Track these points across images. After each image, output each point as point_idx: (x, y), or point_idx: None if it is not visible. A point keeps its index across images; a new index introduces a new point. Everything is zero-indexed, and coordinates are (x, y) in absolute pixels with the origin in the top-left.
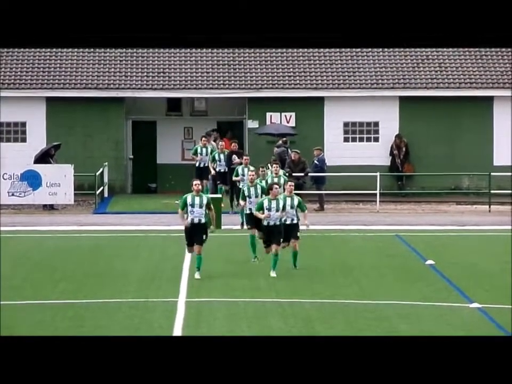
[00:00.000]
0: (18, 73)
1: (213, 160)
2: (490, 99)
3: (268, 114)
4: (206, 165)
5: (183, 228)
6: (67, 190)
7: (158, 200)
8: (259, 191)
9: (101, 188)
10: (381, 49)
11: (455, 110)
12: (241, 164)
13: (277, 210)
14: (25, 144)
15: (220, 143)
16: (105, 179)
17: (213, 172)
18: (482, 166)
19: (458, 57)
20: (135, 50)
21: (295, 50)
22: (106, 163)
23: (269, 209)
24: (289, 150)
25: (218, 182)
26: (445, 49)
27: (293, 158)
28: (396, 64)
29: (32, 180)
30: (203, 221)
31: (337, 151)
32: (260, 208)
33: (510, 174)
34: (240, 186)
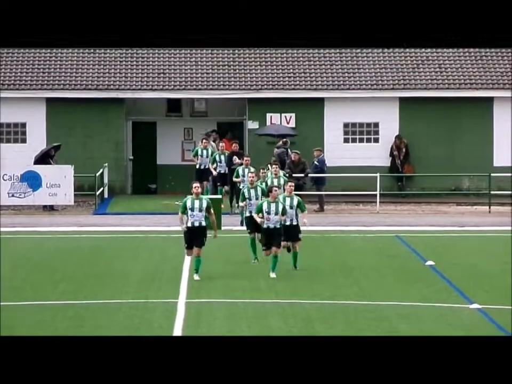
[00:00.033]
0: (18, 74)
1: (214, 161)
2: (490, 100)
3: (268, 115)
4: (207, 167)
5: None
6: (67, 191)
7: (158, 201)
8: (259, 193)
9: (101, 189)
10: (381, 50)
11: (455, 111)
12: (241, 164)
13: (276, 214)
14: (25, 145)
15: (220, 144)
16: (105, 180)
17: (214, 172)
18: (482, 166)
19: (458, 58)
20: (135, 51)
21: (295, 51)
22: (106, 164)
23: (268, 212)
24: (289, 150)
25: (218, 183)
26: (444, 50)
27: (293, 158)
28: (396, 65)
29: (32, 180)
30: (203, 224)
31: (337, 152)
32: (259, 210)
33: (510, 174)
34: (241, 187)
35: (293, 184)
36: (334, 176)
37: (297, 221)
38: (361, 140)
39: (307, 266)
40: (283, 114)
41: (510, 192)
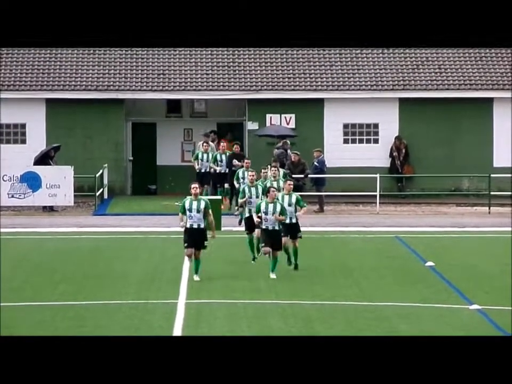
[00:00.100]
0: (18, 74)
1: (214, 160)
2: (490, 100)
3: (268, 115)
4: (207, 170)
5: (182, 229)
6: (67, 192)
7: (157, 202)
8: (259, 191)
9: (101, 190)
10: (380, 51)
11: (455, 112)
12: (242, 167)
13: (273, 214)
14: (25, 146)
15: (222, 143)
16: (105, 181)
17: (217, 169)
18: (482, 167)
19: (458, 59)
20: (134, 52)
21: (295, 51)
22: (106, 165)
23: (266, 213)
24: (289, 151)
25: (218, 185)
26: (444, 50)
27: (292, 159)
28: (395, 66)
29: (32, 181)
30: (202, 226)
31: (337, 152)
32: (258, 210)
33: (510, 175)
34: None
35: (292, 182)
36: (334, 177)
37: (296, 218)
38: (361, 141)
39: (307, 267)
40: (283, 115)
41: (510, 193)
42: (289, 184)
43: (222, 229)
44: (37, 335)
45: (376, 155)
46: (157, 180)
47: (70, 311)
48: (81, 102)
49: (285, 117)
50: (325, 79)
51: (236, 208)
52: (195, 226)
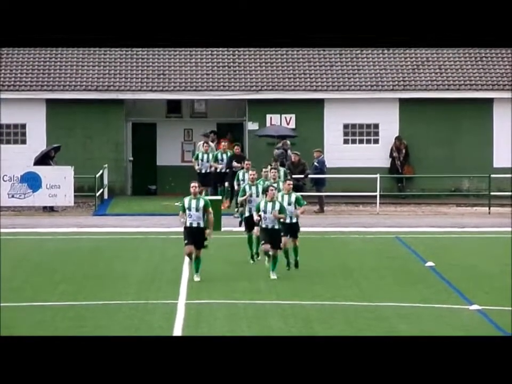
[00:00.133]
0: (18, 75)
1: (215, 159)
2: (490, 101)
3: (268, 116)
4: (208, 171)
5: (182, 229)
6: (67, 192)
7: (157, 202)
8: (260, 190)
9: (101, 190)
10: (380, 51)
11: (455, 112)
12: (242, 168)
13: (271, 213)
14: (25, 146)
15: (223, 143)
16: (105, 181)
17: (219, 167)
18: (482, 168)
19: (458, 59)
20: (134, 52)
21: (295, 52)
22: (106, 165)
23: (265, 211)
24: (289, 151)
25: (218, 184)
26: (444, 51)
27: (293, 159)
28: (395, 66)
29: (32, 181)
30: (201, 225)
31: (337, 153)
32: (258, 210)
33: (510, 176)
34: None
35: (291, 182)
36: (334, 177)
37: (297, 218)
38: (361, 141)
39: (307, 267)
40: (283, 115)
41: (510, 193)
42: (288, 184)
43: (222, 229)
44: (37, 335)
45: (376, 155)
46: (157, 180)
47: (70, 311)
48: (82, 102)
49: (285, 117)
50: (325, 79)
51: (236, 210)
52: (194, 225)
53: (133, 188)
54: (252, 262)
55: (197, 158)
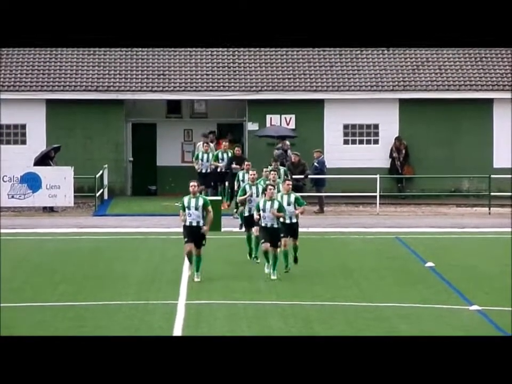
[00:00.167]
0: (18, 75)
1: (216, 159)
2: (490, 101)
3: (268, 116)
4: (208, 171)
5: (182, 224)
6: (67, 192)
7: (157, 202)
8: (260, 190)
9: (101, 190)
10: (380, 51)
11: (455, 112)
12: (242, 169)
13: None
14: (25, 147)
15: (224, 143)
16: (105, 181)
17: (220, 165)
18: (482, 168)
19: (458, 59)
20: (134, 52)
21: (295, 52)
22: (106, 165)
23: (264, 210)
24: (289, 152)
25: (218, 183)
26: (444, 51)
27: (293, 160)
28: (395, 66)
29: (32, 182)
30: (201, 223)
31: (337, 153)
32: (258, 209)
33: (510, 176)
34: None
35: (290, 182)
36: (334, 177)
37: (297, 218)
38: (361, 142)
39: (307, 267)
40: (283, 116)
41: (510, 193)
42: (287, 184)
43: (222, 229)
44: (37, 335)
45: (376, 156)
46: (157, 180)
47: (70, 312)
48: (81, 103)
49: (285, 118)
50: (325, 79)
51: (235, 210)
52: (194, 223)
53: (133, 188)
54: (249, 258)
55: (197, 158)
